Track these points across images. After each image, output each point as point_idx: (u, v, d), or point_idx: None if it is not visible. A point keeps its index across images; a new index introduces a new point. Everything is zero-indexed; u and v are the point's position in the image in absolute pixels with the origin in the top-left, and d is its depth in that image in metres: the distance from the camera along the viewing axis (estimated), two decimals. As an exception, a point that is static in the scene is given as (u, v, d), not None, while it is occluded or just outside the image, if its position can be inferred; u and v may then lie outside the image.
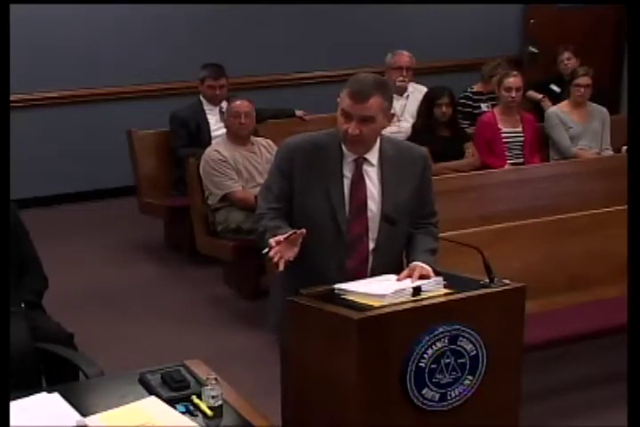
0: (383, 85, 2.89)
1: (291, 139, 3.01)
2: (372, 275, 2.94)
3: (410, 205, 2.99)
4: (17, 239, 3.38)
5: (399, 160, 2.94)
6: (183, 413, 2.55)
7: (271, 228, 2.87)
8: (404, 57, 6.13)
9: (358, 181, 2.93)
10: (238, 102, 5.16)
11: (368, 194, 2.93)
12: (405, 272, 2.85)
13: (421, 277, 2.81)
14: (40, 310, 3.49)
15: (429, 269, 2.85)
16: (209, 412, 2.56)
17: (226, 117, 5.24)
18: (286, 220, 2.93)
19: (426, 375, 2.65)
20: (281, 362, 3.15)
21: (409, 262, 2.95)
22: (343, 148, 2.92)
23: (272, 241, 2.73)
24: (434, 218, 3.11)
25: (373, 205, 2.94)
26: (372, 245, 2.96)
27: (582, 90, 5.89)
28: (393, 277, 2.87)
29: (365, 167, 2.93)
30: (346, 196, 2.92)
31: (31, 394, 2.59)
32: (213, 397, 2.57)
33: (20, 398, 2.56)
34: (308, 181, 2.90)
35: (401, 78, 6.08)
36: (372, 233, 2.95)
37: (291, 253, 2.73)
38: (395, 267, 2.97)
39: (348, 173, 2.92)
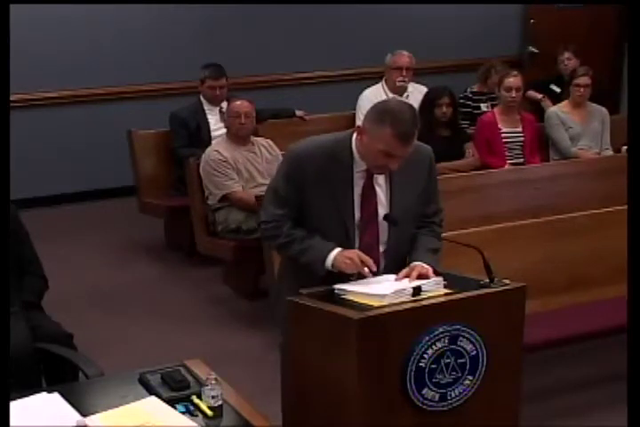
0: (415, 111, 2.86)
1: (300, 146, 2.95)
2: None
3: (417, 207, 3.00)
4: (17, 240, 3.37)
5: (407, 163, 2.89)
6: (183, 413, 2.55)
7: (300, 237, 2.91)
8: (404, 57, 6.13)
9: (369, 191, 2.92)
10: (238, 102, 5.16)
11: (377, 201, 2.93)
12: (404, 271, 2.86)
13: (420, 276, 2.82)
14: (40, 311, 3.48)
15: (429, 268, 2.86)
16: (209, 412, 2.56)
17: (226, 117, 5.24)
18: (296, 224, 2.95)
19: (426, 375, 2.65)
20: (282, 364, 3.15)
21: (409, 261, 2.95)
22: (355, 157, 2.89)
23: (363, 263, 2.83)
24: (438, 216, 3.11)
25: (382, 211, 2.94)
26: (382, 248, 2.97)
27: (582, 90, 5.89)
28: (392, 276, 2.88)
29: (375, 175, 2.93)
30: (356, 204, 2.91)
31: (31, 394, 2.59)
32: (213, 397, 2.57)
33: (19, 398, 2.55)
34: (319, 190, 2.88)
35: (401, 78, 6.09)
36: (383, 237, 2.96)
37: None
38: (402, 268, 2.97)
39: (358, 180, 2.91)
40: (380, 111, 2.82)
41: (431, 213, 3.08)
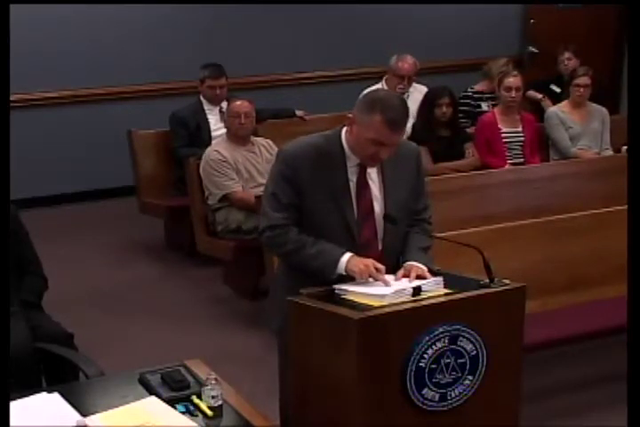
0: (405, 102, 2.87)
1: (290, 146, 2.96)
2: None
3: (409, 202, 3.01)
4: (17, 239, 3.38)
5: (396, 159, 2.93)
6: (183, 413, 2.55)
7: (310, 242, 2.87)
8: (408, 66, 6.02)
9: (363, 185, 2.92)
10: (238, 102, 5.16)
11: (372, 196, 2.93)
12: (401, 272, 2.86)
13: (417, 277, 2.82)
14: (40, 310, 3.49)
15: (424, 268, 2.86)
16: (209, 412, 2.56)
17: (226, 117, 5.24)
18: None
19: (426, 375, 2.65)
20: (279, 364, 3.15)
21: (402, 261, 2.95)
22: (346, 152, 2.91)
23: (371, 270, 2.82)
24: (427, 213, 3.12)
25: (377, 207, 2.94)
26: (380, 246, 2.97)
27: (582, 90, 5.89)
28: (391, 277, 2.87)
29: (368, 170, 2.93)
30: (353, 200, 2.91)
31: (31, 394, 2.59)
32: (213, 397, 2.57)
33: (19, 398, 2.56)
34: (316, 188, 2.88)
35: (401, 86, 6.03)
36: (379, 234, 2.96)
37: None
38: (398, 265, 2.98)
39: (352, 176, 2.91)
40: (369, 100, 2.84)
41: (421, 209, 3.09)
